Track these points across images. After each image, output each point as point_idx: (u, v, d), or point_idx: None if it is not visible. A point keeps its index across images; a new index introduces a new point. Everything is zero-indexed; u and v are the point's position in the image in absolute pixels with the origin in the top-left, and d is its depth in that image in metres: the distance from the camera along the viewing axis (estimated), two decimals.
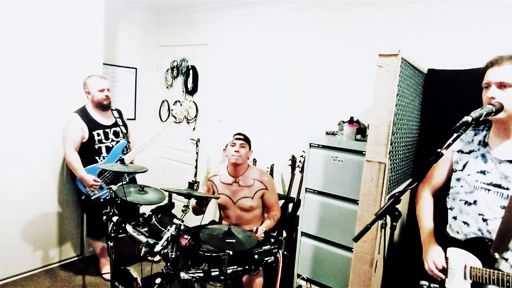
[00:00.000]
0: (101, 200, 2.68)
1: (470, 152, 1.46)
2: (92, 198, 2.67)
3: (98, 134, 2.66)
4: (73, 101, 2.80)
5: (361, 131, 2.39)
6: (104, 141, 2.69)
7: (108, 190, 2.70)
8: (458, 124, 1.17)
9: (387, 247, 1.31)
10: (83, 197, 2.71)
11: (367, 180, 1.73)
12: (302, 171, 2.63)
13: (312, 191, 2.37)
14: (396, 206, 1.23)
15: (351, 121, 2.32)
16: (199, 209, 2.42)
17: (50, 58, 2.75)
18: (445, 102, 2.19)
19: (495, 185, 1.35)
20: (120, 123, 2.83)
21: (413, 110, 2.12)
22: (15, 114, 2.61)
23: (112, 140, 2.74)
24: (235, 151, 2.36)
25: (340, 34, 2.69)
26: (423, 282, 1.49)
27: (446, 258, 1.44)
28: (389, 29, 2.45)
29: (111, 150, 2.72)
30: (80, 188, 2.67)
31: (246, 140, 2.43)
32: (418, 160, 2.35)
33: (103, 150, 2.70)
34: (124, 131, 2.84)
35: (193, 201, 2.38)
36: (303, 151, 2.65)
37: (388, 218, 1.25)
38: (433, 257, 1.45)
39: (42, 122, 2.76)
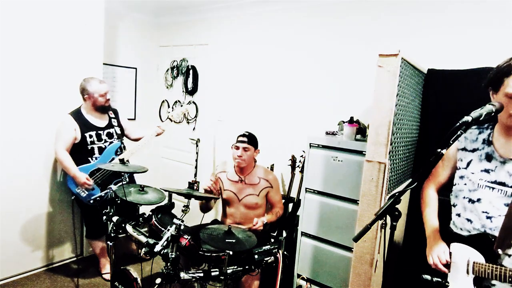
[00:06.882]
0: (91, 201, 2.66)
1: (474, 150, 1.46)
2: (82, 198, 2.66)
3: (91, 136, 2.65)
4: (72, 101, 2.79)
5: (361, 131, 2.39)
6: (96, 142, 2.69)
7: (108, 190, 2.70)
8: (458, 124, 1.17)
9: (387, 247, 1.31)
10: (73, 197, 2.71)
11: (367, 180, 1.73)
12: (302, 171, 2.62)
13: (312, 191, 2.37)
14: (396, 206, 1.24)
15: (351, 121, 2.32)
16: (206, 205, 2.41)
17: (50, 58, 2.75)
18: (445, 102, 2.19)
19: (499, 183, 1.35)
20: (115, 123, 2.82)
21: (413, 110, 2.12)
22: (13, 114, 2.61)
23: (105, 141, 2.73)
24: (238, 156, 2.35)
25: (340, 34, 2.69)
26: (426, 276, 1.50)
27: (450, 254, 1.45)
28: (389, 29, 2.45)
29: (104, 151, 2.72)
30: (70, 188, 2.67)
31: (251, 141, 2.39)
32: (418, 160, 2.36)
33: (96, 151, 2.69)
34: (119, 132, 2.83)
35: None
36: (303, 151, 2.65)
37: (388, 218, 1.26)
38: (438, 251, 1.46)
39: (40, 122, 2.75)
